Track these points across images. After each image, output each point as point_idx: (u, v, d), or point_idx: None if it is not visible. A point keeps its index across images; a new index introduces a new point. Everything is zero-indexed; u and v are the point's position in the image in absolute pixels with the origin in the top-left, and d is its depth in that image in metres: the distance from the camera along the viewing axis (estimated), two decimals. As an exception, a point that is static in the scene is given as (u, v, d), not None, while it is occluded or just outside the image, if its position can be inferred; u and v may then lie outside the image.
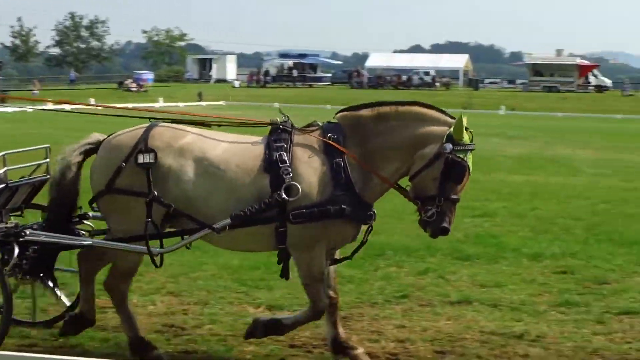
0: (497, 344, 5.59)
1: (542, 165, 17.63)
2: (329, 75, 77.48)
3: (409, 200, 5.03)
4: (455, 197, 4.86)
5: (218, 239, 4.95)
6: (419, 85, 69.00)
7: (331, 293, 5.13)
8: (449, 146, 4.83)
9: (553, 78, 69.18)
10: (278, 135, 4.99)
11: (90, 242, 5.13)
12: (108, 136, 5.20)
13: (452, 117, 4.97)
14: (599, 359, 5.41)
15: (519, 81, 77.71)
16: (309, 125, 5.13)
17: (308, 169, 4.90)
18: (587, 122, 36.14)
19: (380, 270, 7.45)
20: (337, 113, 5.15)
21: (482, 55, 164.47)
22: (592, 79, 69.01)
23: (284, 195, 4.76)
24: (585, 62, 73.99)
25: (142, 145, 4.91)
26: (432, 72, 72.23)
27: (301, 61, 74.53)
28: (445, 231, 4.86)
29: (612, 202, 10.34)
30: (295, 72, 72.82)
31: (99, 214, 5.29)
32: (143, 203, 4.87)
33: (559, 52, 77.57)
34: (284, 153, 4.89)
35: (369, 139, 4.98)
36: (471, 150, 4.87)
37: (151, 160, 4.88)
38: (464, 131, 4.82)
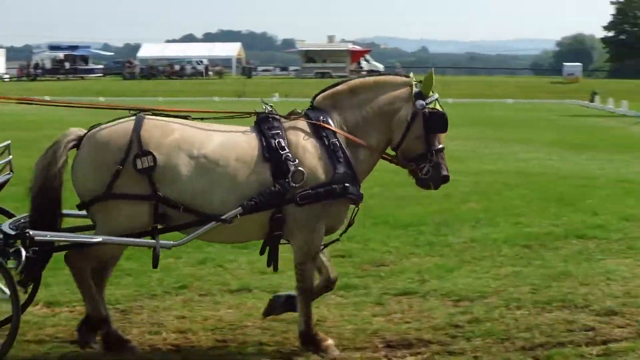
0: (278, 330, 5.65)
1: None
2: (101, 66, 76.94)
3: (401, 166, 5.43)
4: (441, 146, 5.31)
5: (213, 232, 5.07)
6: (192, 74, 70.16)
7: (331, 273, 5.51)
8: (421, 103, 5.30)
9: (325, 64, 71.93)
10: (270, 124, 5.21)
11: (101, 239, 4.99)
12: (88, 131, 5.09)
13: (406, 76, 5.43)
14: (379, 340, 5.60)
15: (291, 68, 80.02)
16: (290, 114, 5.37)
17: (307, 153, 5.16)
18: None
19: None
20: (313, 98, 5.45)
21: (255, 43, 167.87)
22: (364, 64, 72.29)
23: (292, 182, 5.02)
24: (357, 48, 77.98)
25: (137, 147, 4.91)
26: (205, 61, 73.39)
27: (72, 53, 73.43)
28: (446, 179, 5.36)
29: (386, 185, 10.81)
30: (67, 65, 71.58)
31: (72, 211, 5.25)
32: (143, 204, 4.94)
33: (330, 39, 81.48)
34: (282, 140, 5.13)
35: (348, 116, 5.35)
36: (437, 99, 5.35)
37: (150, 164, 4.92)
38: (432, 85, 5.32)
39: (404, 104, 5.33)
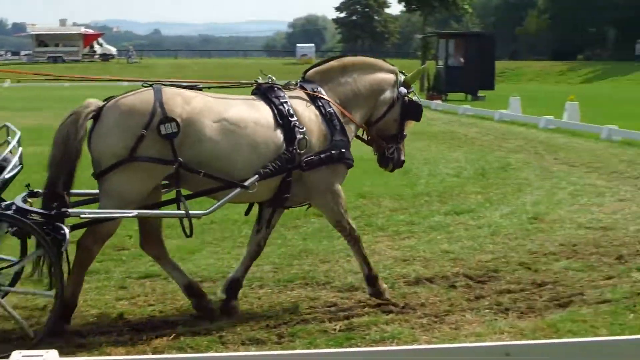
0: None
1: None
2: None
3: (370, 142, 6.44)
4: (406, 134, 6.41)
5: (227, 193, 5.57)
6: None
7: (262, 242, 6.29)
8: (404, 90, 6.37)
9: (58, 48, 73.05)
10: (276, 93, 5.87)
11: (136, 213, 5.37)
12: (106, 101, 5.44)
13: (391, 65, 6.49)
14: (124, 323, 5.71)
15: (23, 53, 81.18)
16: (286, 85, 6.03)
17: (309, 120, 5.86)
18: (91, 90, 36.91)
19: None
20: (305, 72, 6.24)
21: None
22: (97, 48, 74.95)
23: (298, 149, 5.69)
24: (90, 31, 79.97)
25: (161, 113, 5.30)
26: None
27: None
28: (402, 164, 6.49)
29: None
30: None
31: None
32: (163, 168, 5.36)
33: (62, 22, 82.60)
34: (290, 108, 5.78)
35: (338, 89, 6.16)
36: (413, 91, 6.41)
37: (174, 130, 5.30)
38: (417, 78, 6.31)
39: (390, 87, 6.35)
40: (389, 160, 6.42)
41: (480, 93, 36.57)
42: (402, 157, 6.45)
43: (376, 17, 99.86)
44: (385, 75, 6.38)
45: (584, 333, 5.51)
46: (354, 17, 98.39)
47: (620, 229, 8.73)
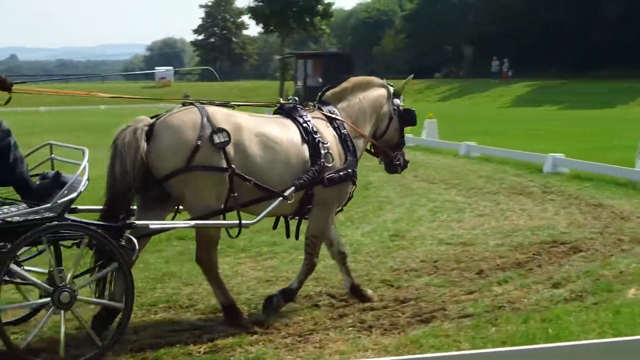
0: None
1: None
2: None
3: (378, 154, 7.48)
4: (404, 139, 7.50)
5: (264, 206, 6.23)
6: None
7: (342, 247, 7.18)
8: (398, 101, 7.29)
9: None
10: (299, 112, 6.62)
11: (193, 224, 6.02)
12: (156, 119, 6.03)
13: (380, 78, 7.40)
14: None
15: None
16: (306, 106, 6.80)
17: (330, 139, 6.61)
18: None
19: None
20: (321, 94, 7.05)
21: None
22: None
23: (326, 163, 6.44)
24: None
25: (210, 125, 5.95)
26: None
27: None
28: (408, 163, 7.56)
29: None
30: None
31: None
32: (218, 178, 5.97)
33: None
34: (314, 126, 6.52)
35: (349, 110, 6.97)
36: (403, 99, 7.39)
37: (226, 139, 5.96)
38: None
39: (386, 101, 7.21)
40: (397, 166, 7.42)
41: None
42: (406, 158, 7.52)
43: (234, 39, 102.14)
44: (380, 90, 7.24)
45: (446, 348, 5.78)
46: (212, 40, 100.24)
47: (480, 244, 9.20)
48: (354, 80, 7.19)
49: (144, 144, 5.84)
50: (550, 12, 70.11)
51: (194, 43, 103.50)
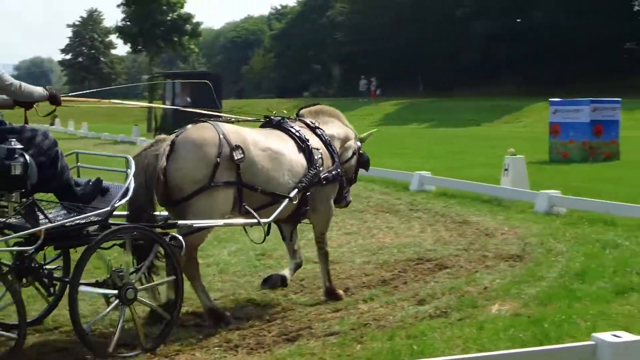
0: None
1: None
2: None
3: None
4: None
5: (273, 210, 7.12)
6: None
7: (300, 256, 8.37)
8: (359, 144, 8.45)
9: None
10: (289, 124, 7.65)
11: (223, 223, 6.93)
12: (176, 136, 6.71)
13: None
14: None
15: None
16: (288, 118, 7.83)
17: (319, 145, 7.65)
18: None
19: None
20: (299, 110, 8.23)
21: None
22: None
23: (319, 167, 7.48)
24: None
25: (227, 144, 6.69)
26: None
27: None
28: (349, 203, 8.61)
29: None
30: None
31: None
32: (232, 190, 6.77)
33: None
34: (304, 135, 7.54)
35: (326, 127, 8.00)
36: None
37: (242, 156, 6.75)
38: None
39: (352, 138, 8.38)
40: (344, 199, 8.19)
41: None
42: (349, 198, 8.43)
43: (102, 59, 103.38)
44: (348, 128, 8.36)
45: (312, 366, 5.82)
46: (80, 59, 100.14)
47: (347, 262, 9.33)
48: (330, 107, 8.48)
49: (163, 163, 6.49)
50: (417, 32, 72.48)
51: (61, 62, 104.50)
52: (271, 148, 7.17)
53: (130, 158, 6.39)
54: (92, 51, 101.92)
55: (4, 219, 5.91)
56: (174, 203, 6.69)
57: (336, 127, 8.19)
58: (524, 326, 6.59)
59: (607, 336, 4.84)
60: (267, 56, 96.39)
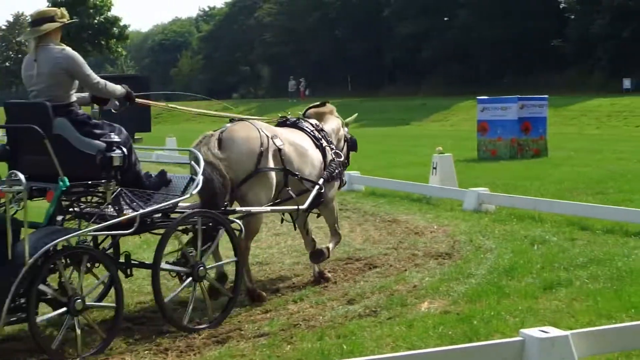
0: None
1: None
2: None
3: None
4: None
5: (303, 199, 8.16)
6: None
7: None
8: (346, 129, 9.46)
9: None
10: (302, 124, 8.67)
11: (270, 209, 7.96)
12: (221, 132, 7.69)
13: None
14: None
15: None
16: (298, 119, 8.86)
17: (325, 144, 8.70)
18: None
19: None
20: (305, 111, 9.19)
21: None
22: None
23: (332, 163, 8.58)
24: None
25: (265, 135, 7.77)
26: None
27: None
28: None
29: None
30: None
31: None
32: (276, 175, 7.80)
33: None
34: (317, 133, 8.62)
35: (327, 126, 9.01)
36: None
37: (282, 142, 7.90)
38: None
39: (342, 127, 9.36)
40: (342, 182, 9.06)
41: (137, 135, 36.78)
42: (345, 179, 9.63)
43: None
44: (338, 119, 9.28)
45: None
46: (7, 64, 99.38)
47: (277, 263, 9.32)
48: (327, 105, 9.29)
49: (219, 155, 7.37)
50: (344, 32, 72.85)
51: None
52: (298, 143, 8.21)
53: (197, 152, 7.22)
54: (20, 55, 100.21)
55: (101, 208, 6.56)
56: (232, 192, 7.54)
57: (330, 121, 9.14)
58: (453, 323, 6.65)
59: (534, 332, 4.90)
60: (195, 58, 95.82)
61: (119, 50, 61.76)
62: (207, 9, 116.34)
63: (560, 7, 65.37)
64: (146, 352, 6.23)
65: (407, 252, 9.85)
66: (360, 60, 71.80)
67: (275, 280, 8.51)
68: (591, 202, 12.82)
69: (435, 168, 15.15)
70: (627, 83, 50.00)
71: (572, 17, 61.66)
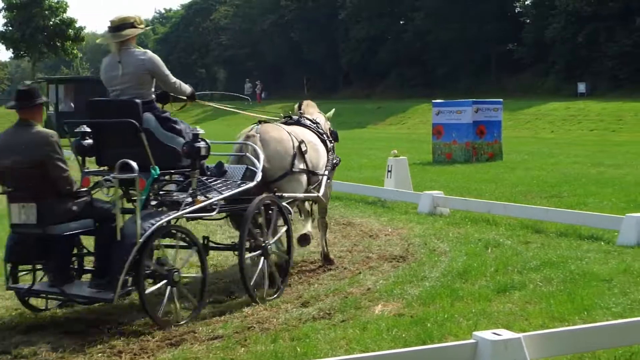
0: None
1: None
2: None
3: None
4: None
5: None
6: None
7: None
8: (329, 123, 10.16)
9: None
10: (305, 121, 9.52)
11: (303, 197, 8.96)
12: (255, 132, 8.51)
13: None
14: None
15: None
16: (300, 117, 9.71)
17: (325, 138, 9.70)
18: None
19: None
20: (299, 106, 10.02)
21: None
22: None
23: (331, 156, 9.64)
24: None
25: (295, 139, 8.71)
26: None
27: None
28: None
29: None
30: None
31: None
32: (304, 174, 8.81)
33: None
34: (321, 129, 9.65)
35: (320, 121, 9.90)
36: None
37: (306, 148, 8.83)
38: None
39: (326, 121, 10.11)
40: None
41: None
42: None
43: None
44: (321, 115, 10.06)
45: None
46: None
47: (231, 265, 9.26)
48: (311, 103, 10.19)
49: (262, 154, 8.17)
50: (300, 34, 72.79)
51: None
52: (312, 141, 9.06)
53: (256, 146, 8.18)
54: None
55: (186, 194, 7.17)
56: (265, 184, 8.22)
57: (318, 116, 9.94)
58: (406, 326, 6.69)
59: (487, 334, 4.95)
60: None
61: (75, 52, 61.38)
62: (163, 11, 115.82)
63: (516, 11, 66.11)
64: (99, 354, 6.20)
65: (361, 254, 9.90)
66: (316, 63, 71.90)
67: (229, 283, 8.48)
68: (545, 205, 12.95)
69: (390, 171, 15.23)
70: (581, 87, 50.57)
71: (527, 21, 62.29)
